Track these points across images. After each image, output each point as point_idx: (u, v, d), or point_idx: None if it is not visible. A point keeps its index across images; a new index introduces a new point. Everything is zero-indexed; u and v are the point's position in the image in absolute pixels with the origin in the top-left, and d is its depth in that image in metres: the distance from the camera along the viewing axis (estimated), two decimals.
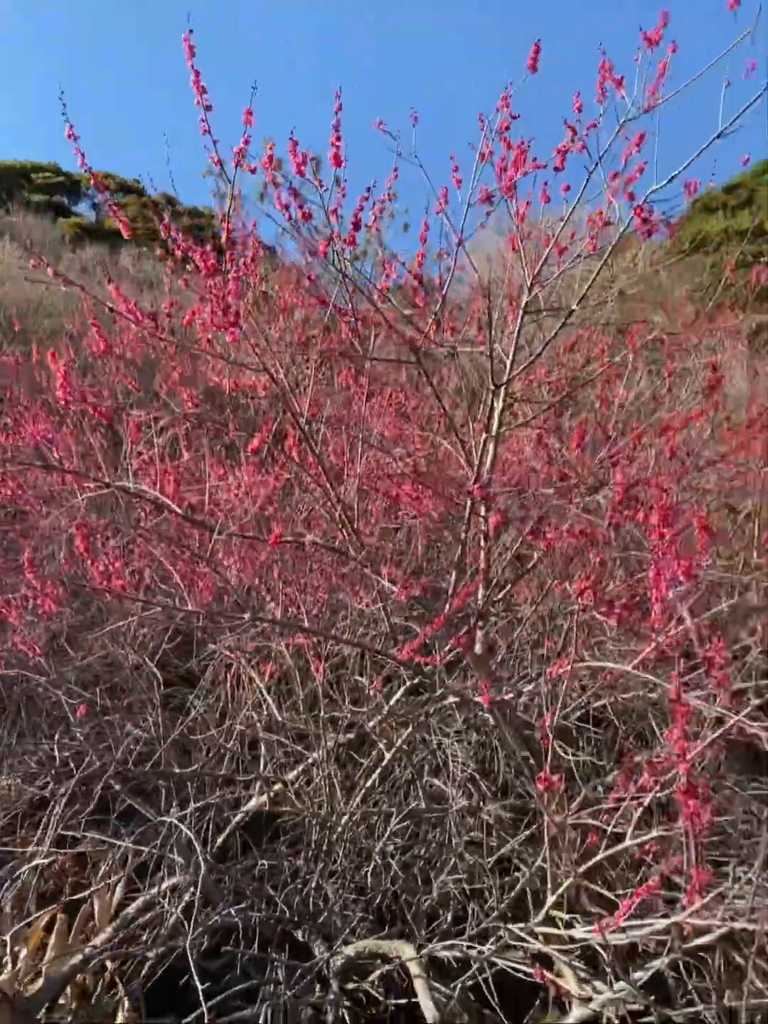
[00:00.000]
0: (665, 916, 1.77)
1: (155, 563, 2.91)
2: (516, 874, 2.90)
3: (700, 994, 2.39)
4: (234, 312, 2.11)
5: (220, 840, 3.09)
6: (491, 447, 2.76)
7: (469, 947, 2.43)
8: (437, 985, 2.60)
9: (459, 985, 2.43)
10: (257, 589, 3.04)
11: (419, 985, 2.51)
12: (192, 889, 2.70)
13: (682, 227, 17.84)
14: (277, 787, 3.16)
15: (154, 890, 2.73)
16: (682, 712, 1.49)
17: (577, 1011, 1.95)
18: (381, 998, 2.74)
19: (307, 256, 2.45)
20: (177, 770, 2.91)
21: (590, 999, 1.93)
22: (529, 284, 2.76)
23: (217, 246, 2.29)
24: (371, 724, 3.11)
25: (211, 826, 3.08)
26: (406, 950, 2.61)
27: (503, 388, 2.68)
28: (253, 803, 3.16)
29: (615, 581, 2.68)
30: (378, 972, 2.83)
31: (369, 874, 2.98)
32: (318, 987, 2.73)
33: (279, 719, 3.05)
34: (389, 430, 3.61)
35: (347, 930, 2.86)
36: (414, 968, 2.53)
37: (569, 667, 1.96)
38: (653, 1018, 2.09)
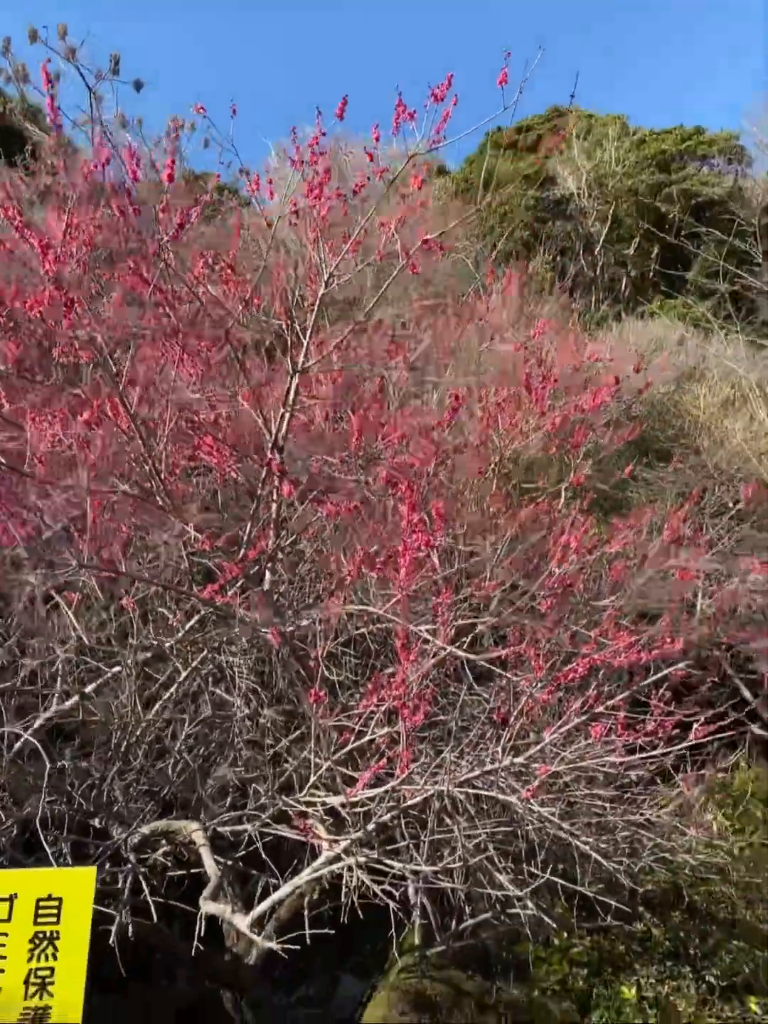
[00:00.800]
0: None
1: None
2: (285, 766, 3.60)
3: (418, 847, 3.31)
4: (70, 299, 2.39)
5: (18, 745, 3.44)
6: (287, 417, 3.27)
7: (250, 818, 3.10)
8: (218, 858, 3.26)
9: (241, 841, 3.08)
10: (68, 527, 3.34)
11: (204, 853, 3.14)
12: None
13: (470, 164, 18.26)
14: (76, 699, 3.56)
15: None
16: (404, 652, 2.19)
17: (327, 853, 2.69)
18: (170, 865, 3.36)
19: (137, 243, 2.74)
20: None
21: (335, 842, 2.68)
22: (325, 279, 3.25)
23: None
24: (169, 644, 3.60)
25: (12, 735, 3.42)
26: (193, 826, 3.22)
27: (299, 373, 3.18)
28: (53, 710, 3.54)
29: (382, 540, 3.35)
30: (163, 849, 3.44)
31: (164, 770, 3.53)
32: (110, 863, 3.27)
33: (86, 641, 3.43)
34: (197, 382, 3.92)
35: (140, 817, 3.41)
36: (199, 838, 3.15)
37: (337, 610, 2.60)
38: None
